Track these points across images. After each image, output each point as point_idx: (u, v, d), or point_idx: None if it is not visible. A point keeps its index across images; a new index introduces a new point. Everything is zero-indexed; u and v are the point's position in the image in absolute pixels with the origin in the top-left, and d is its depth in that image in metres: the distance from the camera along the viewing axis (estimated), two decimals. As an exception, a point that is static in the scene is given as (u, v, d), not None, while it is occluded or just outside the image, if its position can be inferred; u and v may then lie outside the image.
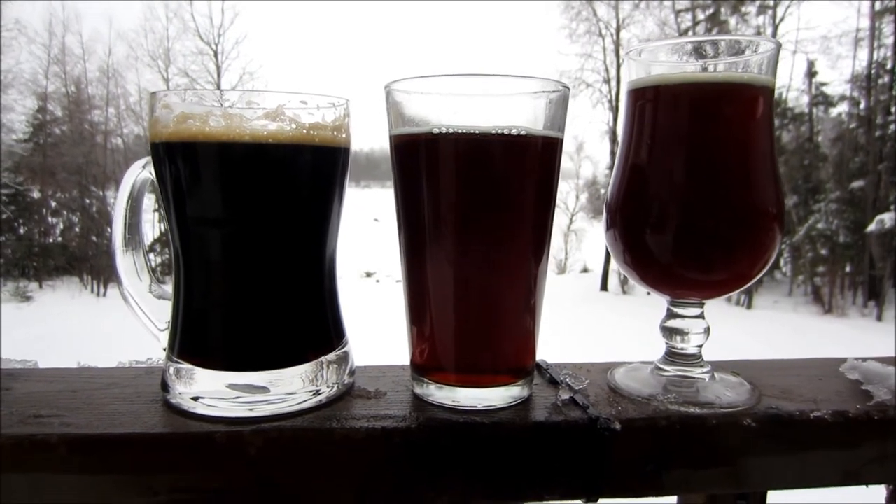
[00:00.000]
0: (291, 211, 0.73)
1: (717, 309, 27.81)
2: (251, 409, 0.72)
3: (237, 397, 0.72)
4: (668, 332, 0.84)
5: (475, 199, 0.72)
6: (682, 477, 0.75)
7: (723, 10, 29.97)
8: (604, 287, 28.60)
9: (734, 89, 0.76)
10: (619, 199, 0.83)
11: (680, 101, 0.78)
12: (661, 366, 0.85)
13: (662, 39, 0.78)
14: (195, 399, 0.73)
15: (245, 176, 0.69)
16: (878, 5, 26.37)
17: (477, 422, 0.72)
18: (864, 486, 0.80)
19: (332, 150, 0.74)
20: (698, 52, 0.78)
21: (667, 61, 0.80)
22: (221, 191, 0.69)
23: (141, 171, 0.80)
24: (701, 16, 31.28)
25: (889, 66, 26.92)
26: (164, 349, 0.82)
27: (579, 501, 0.75)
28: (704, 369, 0.83)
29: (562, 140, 0.76)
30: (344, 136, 0.76)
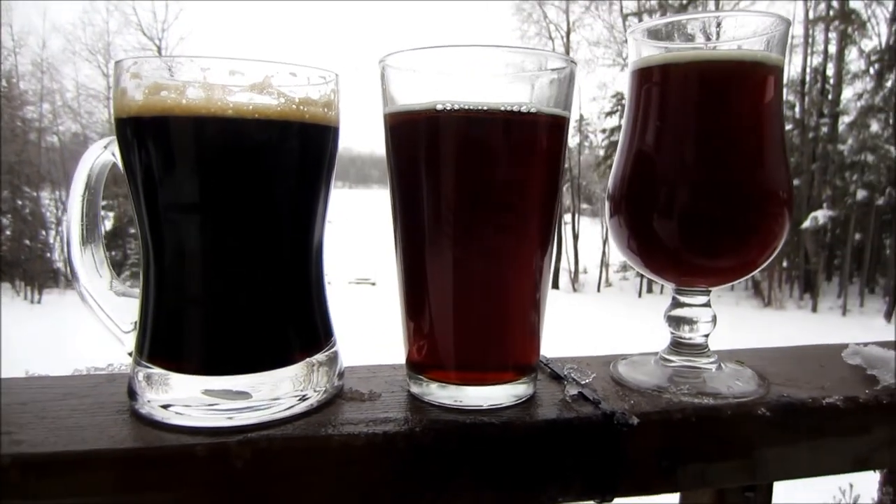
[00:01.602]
0: (277, 196, 0.66)
1: (663, 304, 28.55)
2: (233, 418, 0.64)
3: (217, 404, 0.65)
4: (675, 322, 0.80)
5: (482, 181, 0.66)
6: (697, 471, 0.72)
7: (668, 14, 30.67)
8: (555, 285, 28.98)
9: (746, 68, 0.73)
10: (624, 184, 0.79)
11: (689, 81, 0.74)
12: (667, 356, 0.81)
13: (672, 17, 0.74)
14: (169, 407, 0.65)
15: (227, 156, 0.61)
16: (811, 13, 27.54)
17: (485, 422, 0.66)
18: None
19: (323, 128, 0.67)
20: (708, 29, 0.74)
21: (675, 40, 0.76)
22: (200, 173, 0.61)
23: (101, 152, 0.72)
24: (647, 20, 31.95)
25: (822, 71, 28.16)
26: (131, 353, 0.73)
27: (592, 502, 0.71)
28: (711, 359, 0.80)
29: (569, 120, 0.71)
30: (334, 113, 0.69)
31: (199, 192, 0.62)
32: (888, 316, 24.92)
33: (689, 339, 0.80)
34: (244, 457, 0.61)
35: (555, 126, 0.68)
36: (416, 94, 0.67)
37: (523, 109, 0.65)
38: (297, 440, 0.62)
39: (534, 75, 0.68)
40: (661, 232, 0.76)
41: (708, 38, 0.76)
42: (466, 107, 0.64)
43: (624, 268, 34.40)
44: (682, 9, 31.26)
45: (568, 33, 35.19)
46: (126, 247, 32.54)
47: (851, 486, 3.93)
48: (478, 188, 0.67)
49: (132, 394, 0.68)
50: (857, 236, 28.76)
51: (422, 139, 0.67)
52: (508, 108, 0.65)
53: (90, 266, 0.74)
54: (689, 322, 0.79)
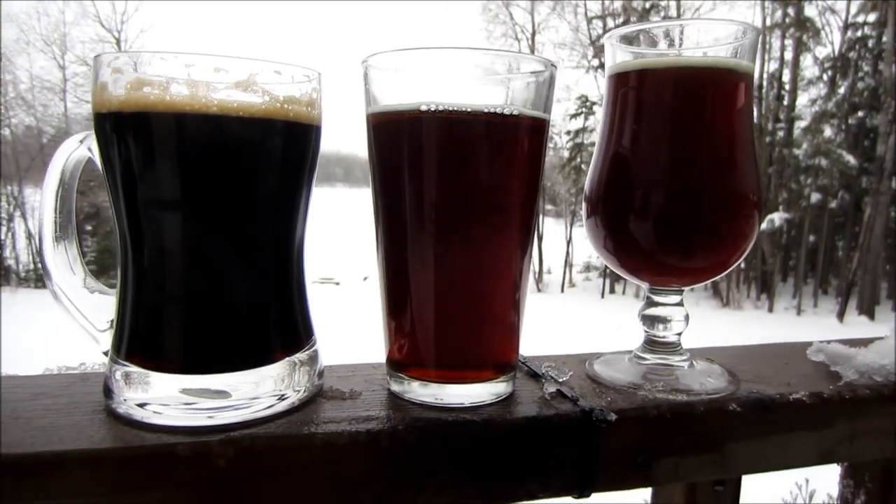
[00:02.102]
0: (260, 194, 0.65)
1: (625, 304, 29.18)
2: (214, 417, 0.64)
3: (197, 403, 0.64)
4: (649, 321, 0.82)
5: (464, 181, 0.67)
6: (671, 466, 0.73)
7: (632, 19, 31.25)
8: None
9: (719, 74, 0.75)
10: (601, 186, 0.81)
11: (665, 86, 0.76)
12: (641, 354, 0.83)
13: (648, 23, 0.75)
14: (148, 406, 0.64)
15: (210, 153, 0.61)
16: (768, 20, 28.30)
17: (467, 419, 0.67)
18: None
19: (306, 126, 0.67)
20: (684, 36, 0.77)
21: (652, 45, 0.78)
22: (182, 169, 0.61)
23: (77, 147, 0.71)
24: (611, 23, 32.50)
25: (778, 77, 28.95)
26: (106, 352, 0.72)
27: (569, 499, 0.72)
28: (683, 357, 0.82)
29: (549, 122, 0.72)
30: (317, 112, 0.69)
31: (181, 189, 0.62)
32: (840, 316, 25.74)
33: (663, 337, 0.82)
34: (227, 456, 0.60)
35: (535, 128, 0.70)
36: (401, 94, 0.68)
37: (505, 111, 0.66)
38: (279, 439, 0.62)
39: (515, 78, 0.69)
40: (636, 233, 0.78)
41: (682, 45, 0.78)
42: (450, 108, 0.65)
43: (587, 268, 34.84)
44: (646, 12, 31.84)
45: (533, 35, 35.49)
46: (82, 244, 31.58)
47: (808, 480, 4.04)
48: (460, 188, 0.67)
49: (109, 393, 0.67)
50: (812, 238, 29.65)
51: (406, 139, 0.67)
52: (491, 110, 0.66)
53: (63, 263, 0.73)
54: (663, 321, 0.81)
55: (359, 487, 0.63)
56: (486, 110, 0.66)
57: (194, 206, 0.62)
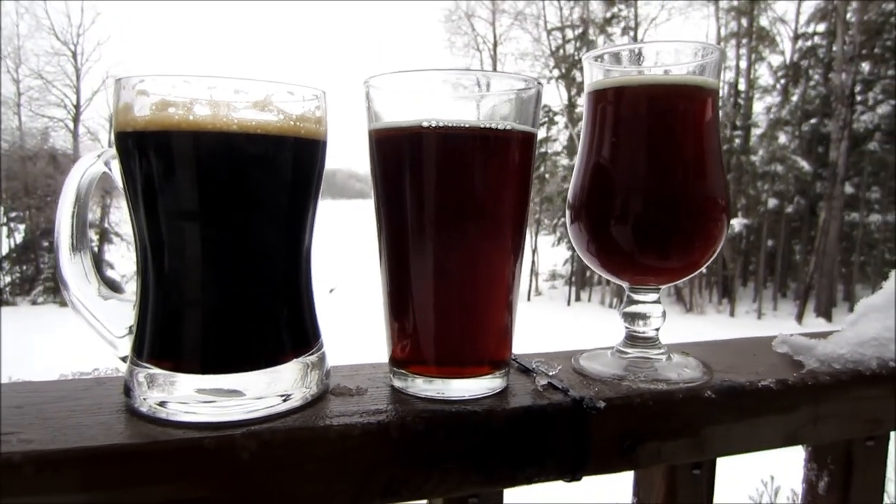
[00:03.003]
0: (274, 205, 0.70)
1: (594, 311, 29.60)
2: (233, 413, 0.68)
3: (216, 401, 0.69)
4: (630, 317, 0.89)
5: (462, 192, 0.73)
6: (654, 450, 0.80)
7: (591, 30, 31.85)
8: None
9: (689, 91, 0.83)
10: (582, 194, 0.88)
11: (639, 102, 0.83)
12: (623, 349, 0.90)
13: (623, 45, 0.83)
14: (169, 405, 0.68)
15: (230, 167, 0.66)
16: (723, 31, 29.11)
17: (470, 410, 0.73)
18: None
19: (315, 142, 0.73)
20: (657, 56, 0.84)
21: (628, 64, 0.85)
22: (203, 183, 0.65)
23: (93, 163, 0.75)
24: (570, 35, 33.05)
25: (734, 85, 29.78)
26: (123, 357, 0.76)
27: (560, 482, 0.78)
28: (661, 350, 0.89)
29: (537, 135, 0.79)
30: (324, 129, 0.75)
31: (202, 201, 0.66)
32: (799, 318, 26.48)
33: (643, 332, 0.89)
34: (249, 448, 0.65)
35: (526, 141, 0.76)
36: (402, 111, 0.74)
37: (500, 126, 0.73)
38: (298, 431, 0.67)
39: (505, 95, 0.75)
40: (616, 236, 0.85)
41: (655, 64, 0.85)
42: (450, 124, 0.71)
43: (553, 277, 35.22)
44: (606, 22, 32.47)
45: (495, 46, 35.94)
46: (39, 261, 30.92)
47: (773, 478, 4.19)
48: (458, 197, 0.73)
49: (130, 394, 0.71)
50: (770, 243, 30.49)
51: (408, 153, 0.73)
52: (487, 126, 0.72)
53: (80, 274, 0.77)
54: (643, 317, 0.88)
55: (372, 474, 0.69)
56: (481, 125, 0.72)
57: (213, 217, 0.67)
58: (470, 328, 0.78)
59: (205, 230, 0.68)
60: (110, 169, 0.75)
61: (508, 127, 0.73)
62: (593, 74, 0.88)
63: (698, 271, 0.89)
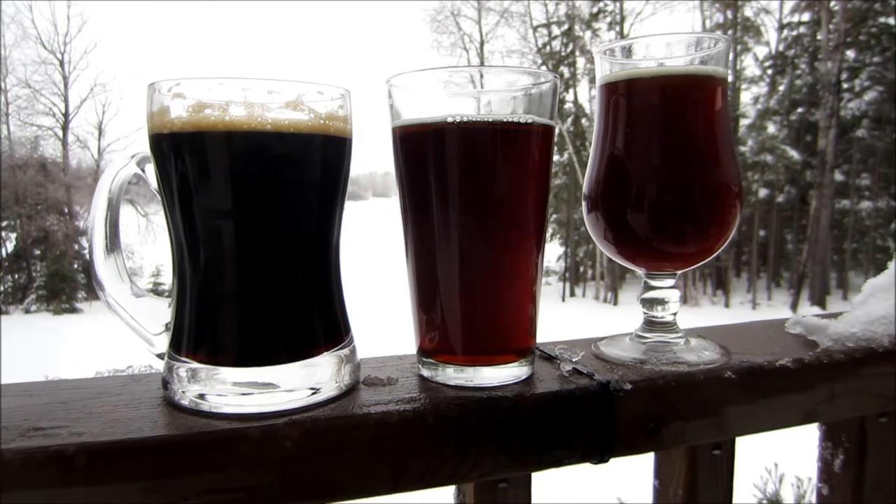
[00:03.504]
0: (306, 201, 0.73)
1: (587, 306, 29.73)
2: (275, 404, 0.70)
3: (257, 393, 0.71)
4: (648, 303, 0.91)
5: (487, 185, 0.75)
6: (678, 430, 0.83)
7: (577, 26, 31.91)
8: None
9: (700, 81, 0.85)
10: (599, 184, 0.90)
11: (652, 93, 0.86)
12: (642, 334, 0.92)
13: (633, 38, 0.85)
14: (208, 397, 0.70)
15: (264, 165, 0.68)
16: (708, 23, 29.22)
17: (500, 396, 0.75)
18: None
19: (343, 139, 0.75)
20: (667, 48, 0.86)
21: (638, 57, 0.88)
22: (239, 181, 0.67)
23: (125, 164, 0.77)
24: (557, 31, 33.11)
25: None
26: (160, 354, 0.78)
27: (587, 464, 0.81)
28: (679, 334, 0.92)
29: (555, 128, 0.81)
30: (350, 127, 0.77)
31: (238, 200, 0.68)
32: (794, 308, 26.64)
33: (661, 317, 0.91)
34: (291, 437, 0.67)
35: (546, 134, 0.78)
36: (424, 108, 0.76)
37: (521, 120, 0.75)
38: (338, 419, 0.69)
39: (527, 90, 0.77)
40: (633, 224, 0.87)
41: (665, 56, 0.87)
42: (474, 119, 0.73)
43: (547, 273, 35.28)
44: (592, 17, 32.53)
45: (482, 44, 35.99)
46: (31, 269, 30.77)
47: (776, 465, 4.23)
48: (483, 190, 0.76)
49: (169, 388, 0.73)
50: (762, 233, 30.66)
51: (433, 148, 0.75)
52: (510, 120, 0.74)
53: (114, 274, 0.78)
54: (661, 302, 0.91)
55: (410, 460, 0.71)
56: (504, 119, 0.74)
57: (248, 215, 0.69)
58: (497, 318, 0.80)
59: (240, 227, 0.70)
60: (143, 170, 0.77)
61: (530, 121, 0.75)
62: (605, 68, 0.90)
63: (713, 256, 0.91)
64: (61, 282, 28.87)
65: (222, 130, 0.66)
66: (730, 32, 30.62)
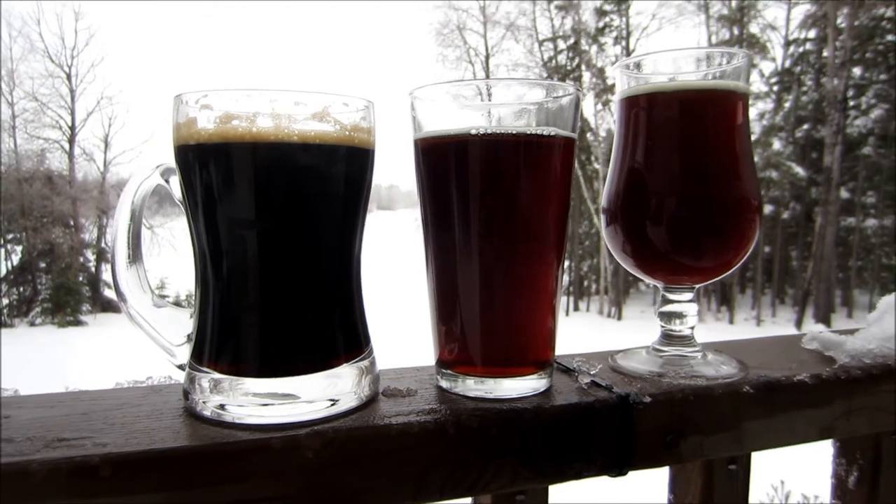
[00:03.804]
0: (330, 211, 0.73)
1: (591, 321, 29.66)
2: (297, 415, 0.70)
3: (279, 403, 0.71)
4: (666, 317, 0.91)
5: (508, 198, 0.76)
6: (696, 444, 0.82)
7: (582, 39, 32.10)
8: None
9: (720, 95, 0.86)
10: (618, 197, 0.91)
11: (672, 107, 0.87)
12: (659, 347, 0.92)
13: (652, 52, 0.86)
14: (229, 408, 0.70)
15: (290, 176, 0.69)
16: (714, 38, 29.37)
17: (520, 408, 0.75)
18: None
19: (366, 151, 0.76)
20: (688, 62, 0.87)
21: (658, 72, 0.88)
22: (266, 191, 0.68)
23: (149, 175, 0.77)
24: (562, 45, 33.31)
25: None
26: (181, 365, 0.78)
27: (604, 477, 0.81)
28: (696, 348, 0.92)
29: (576, 140, 0.82)
30: (373, 138, 0.77)
31: (263, 210, 0.69)
32: (798, 325, 26.51)
33: (679, 331, 0.91)
34: (314, 447, 0.67)
35: (568, 146, 0.79)
36: (447, 121, 0.77)
37: (543, 133, 0.75)
38: (359, 430, 0.69)
39: (550, 103, 0.78)
40: (652, 237, 0.88)
41: (685, 71, 0.88)
42: (497, 131, 0.74)
43: (552, 286, 35.17)
44: (599, 32, 32.73)
45: (487, 58, 36.21)
46: (36, 282, 30.86)
47: (783, 482, 4.20)
48: (506, 203, 0.76)
49: (190, 398, 0.73)
50: (767, 249, 30.59)
51: (455, 160, 0.76)
52: (532, 132, 0.75)
53: (136, 285, 0.79)
54: (679, 316, 0.91)
55: (431, 470, 0.71)
56: (526, 132, 0.75)
57: (274, 225, 0.70)
58: (517, 330, 0.80)
59: (263, 238, 0.70)
60: (168, 181, 0.78)
61: (552, 133, 0.76)
62: (625, 82, 0.91)
63: (732, 270, 0.91)
64: (66, 294, 28.96)
65: (249, 141, 0.67)
66: (736, 48, 30.72)
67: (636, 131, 0.90)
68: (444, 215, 0.78)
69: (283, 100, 0.68)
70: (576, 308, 32.67)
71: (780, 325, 27.60)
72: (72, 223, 32.10)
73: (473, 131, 0.73)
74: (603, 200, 0.94)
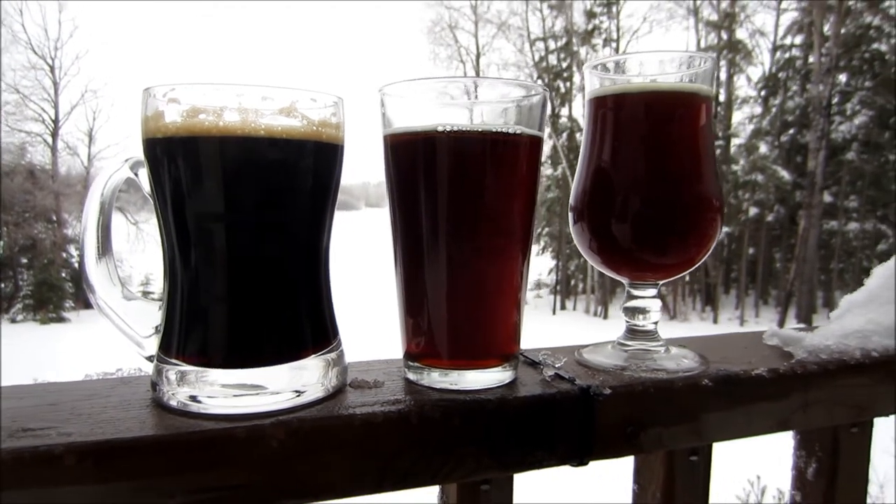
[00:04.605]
0: (297, 205, 0.74)
1: (578, 319, 29.79)
2: (260, 405, 0.72)
3: (245, 394, 0.72)
4: (630, 312, 0.94)
5: (475, 193, 0.77)
6: (656, 435, 0.84)
7: (574, 40, 32.21)
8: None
9: (685, 98, 0.88)
10: (585, 195, 0.93)
11: (638, 108, 0.89)
12: (624, 342, 0.94)
13: (621, 54, 0.88)
14: (198, 399, 0.71)
15: (257, 170, 0.70)
16: (702, 42, 29.59)
17: (483, 399, 0.77)
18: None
19: (335, 146, 0.77)
20: (654, 65, 0.89)
21: (626, 73, 0.90)
22: (232, 185, 0.69)
23: (119, 168, 0.78)
24: (553, 45, 33.40)
25: (715, 96, 30.13)
26: (150, 357, 0.79)
27: (566, 467, 0.82)
28: (660, 343, 0.94)
29: (543, 139, 0.83)
30: (342, 134, 0.79)
31: (230, 204, 0.70)
32: (780, 325, 26.76)
33: (643, 326, 0.93)
34: (278, 437, 0.68)
35: (534, 145, 0.81)
36: (415, 117, 0.78)
37: (510, 130, 0.77)
38: (324, 420, 0.71)
39: (517, 101, 0.80)
40: (617, 235, 0.90)
41: (652, 73, 0.90)
42: (464, 128, 0.75)
43: (538, 286, 35.39)
44: (588, 34, 32.88)
45: (478, 57, 36.29)
46: (17, 278, 30.51)
47: (759, 477, 4.26)
48: (471, 198, 0.78)
49: (158, 390, 0.74)
50: (751, 251, 30.88)
51: (423, 156, 0.77)
52: (498, 130, 0.76)
53: (105, 277, 0.80)
54: (643, 311, 0.93)
55: (394, 459, 0.72)
56: (493, 129, 0.76)
57: (240, 219, 0.71)
58: (482, 323, 0.82)
59: (231, 231, 0.71)
60: (136, 175, 0.78)
61: (518, 131, 0.78)
62: (594, 83, 0.93)
63: (694, 267, 0.93)
64: (49, 291, 28.65)
65: (216, 135, 0.68)
66: (724, 53, 31.03)
67: (603, 131, 0.92)
68: (412, 210, 0.80)
69: (250, 94, 0.69)
70: (562, 307, 32.81)
71: (763, 325, 27.86)
72: (54, 218, 31.77)
73: (440, 128, 0.75)
74: (571, 199, 0.96)
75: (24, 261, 31.04)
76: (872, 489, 4.70)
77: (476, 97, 0.79)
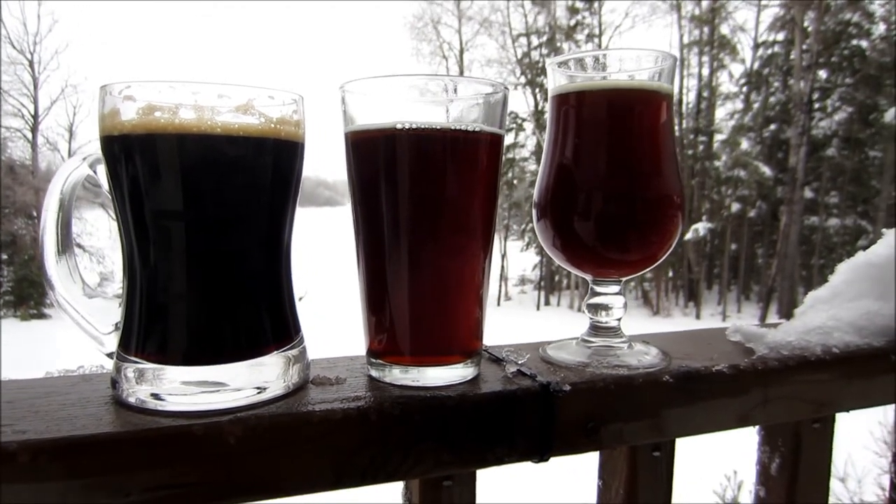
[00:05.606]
0: (257, 203, 0.74)
1: (561, 315, 29.94)
2: (218, 402, 0.72)
3: (204, 391, 0.72)
4: (593, 308, 0.94)
5: (434, 190, 0.78)
6: (616, 431, 0.85)
7: (557, 35, 32.27)
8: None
9: (645, 95, 0.89)
10: (548, 192, 0.93)
11: (599, 105, 0.89)
12: (587, 338, 0.95)
13: (585, 51, 0.89)
14: (157, 396, 0.71)
15: (214, 168, 0.70)
16: (685, 38, 29.77)
17: (443, 395, 0.77)
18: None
19: (294, 143, 0.77)
20: (615, 62, 0.90)
21: (588, 70, 0.91)
22: (189, 183, 0.69)
23: (78, 165, 0.78)
24: (536, 41, 33.44)
25: (698, 92, 30.42)
26: (110, 353, 0.79)
27: (529, 463, 0.83)
28: (623, 339, 0.95)
29: (504, 137, 0.84)
30: (302, 131, 0.79)
31: (187, 202, 0.70)
32: (762, 320, 27.01)
33: (605, 322, 0.94)
34: (236, 434, 0.68)
35: (494, 142, 0.81)
36: (376, 115, 0.78)
37: (469, 128, 0.77)
38: (282, 417, 0.71)
39: (473, 99, 0.80)
40: (580, 231, 0.91)
41: (613, 70, 0.91)
42: (423, 126, 0.75)
43: (522, 282, 35.50)
44: (571, 30, 32.95)
45: (461, 53, 36.26)
46: (-2, 274, 30.10)
47: (735, 472, 4.31)
48: (431, 195, 0.78)
49: (118, 387, 0.74)
50: (733, 247, 31.17)
51: (383, 153, 0.77)
52: (457, 127, 0.77)
53: (65, 274, 0.79)
54: (605, 308, 0.94)
55: (352, 456, 0.73)
56: (451, 127, 0.77)
57: (198, 216, 0.71)
58: (443, 320, 0.82)
59: (189, 229, 0.71)
60: (95, 172, 0.78)
61: (477, 129, 0.78)
62: (557, 79, 0.93)
63: (656, 264, 0.95)
64: (29, 287, 28.28)
65: (172, 133, 0.67)
66: (706, 49, 31.23)
67: (565, 128, 0.92)
68: (373, 208, 0.80)
69: (205, 92, 0.68)
70: (546, 303, 32.95)
71: (745, 320, 27.74)
72: (35, 214, 31.33)
73: (399, 125, 0.75)
74: (534, 195, 0.97)
75: (5, 257, 30.61)
76: (851, 484, 4.77)
77: (437, 94, 0.80)
